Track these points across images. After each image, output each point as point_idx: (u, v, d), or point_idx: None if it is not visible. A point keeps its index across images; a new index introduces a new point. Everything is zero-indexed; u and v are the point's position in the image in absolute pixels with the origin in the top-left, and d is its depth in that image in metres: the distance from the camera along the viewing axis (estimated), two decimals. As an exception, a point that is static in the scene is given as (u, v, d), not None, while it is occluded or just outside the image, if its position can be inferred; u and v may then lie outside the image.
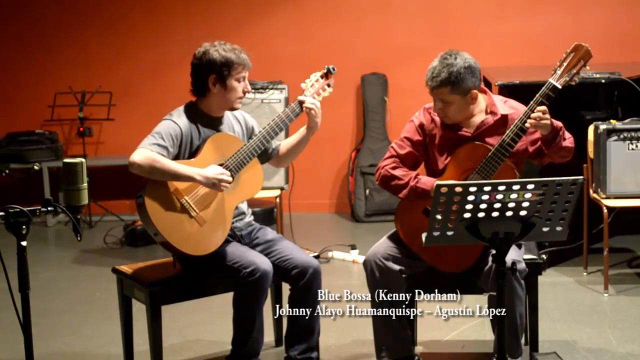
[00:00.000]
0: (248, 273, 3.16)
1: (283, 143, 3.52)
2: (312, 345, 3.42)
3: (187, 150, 3.27)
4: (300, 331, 3.40)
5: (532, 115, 3.02)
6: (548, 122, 3.04)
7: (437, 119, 3.28)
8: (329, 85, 3.47)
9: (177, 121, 3.27)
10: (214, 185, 3.19)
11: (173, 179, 3.17)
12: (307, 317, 3.34)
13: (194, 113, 3.34)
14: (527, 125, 3.04)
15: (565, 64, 3.08)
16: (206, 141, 3.27)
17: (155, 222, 3.13)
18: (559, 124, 3.13)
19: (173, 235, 3.16)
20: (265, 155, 3.48)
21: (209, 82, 3.29)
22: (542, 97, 3.05)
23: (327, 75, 3.47)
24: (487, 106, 3.26)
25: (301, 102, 3.37)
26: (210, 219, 3.24)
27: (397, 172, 3.26)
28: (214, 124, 3.36)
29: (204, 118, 3.35)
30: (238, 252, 3.25)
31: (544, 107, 3.03)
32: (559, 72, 3.07)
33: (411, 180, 3.21)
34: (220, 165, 3.25)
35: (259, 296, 3.23)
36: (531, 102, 3.05)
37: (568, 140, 3.19)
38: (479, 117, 3.24)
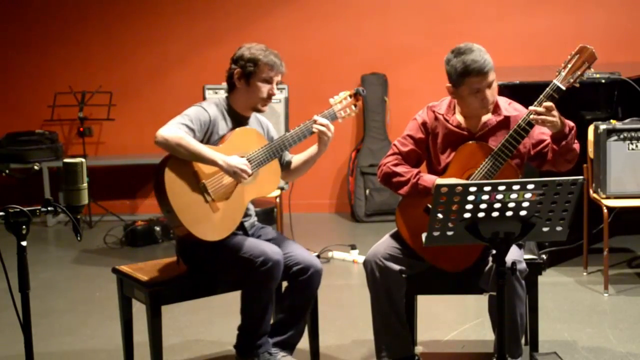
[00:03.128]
0: (260, 263, 3.17)
1: (295, 158, 3.54)
2: (290, 341, 3.39)
3: (211, 139, 3.29)
4: (284, 324, 3.39)
5: (537, 109, 3.02)
6: (556, 119, 3.03)
7: (440, 117, 3.28)
8: (355, 106, 3.47)
9: (207, 109, 3.30)
10: (235, 173, 3.20)
11: (196, 159, 3.19)
12: (295, 313, 3.35)
13: (223, 106, 3.37)
14: (533, 117, 3.03)
15: (569, 65, 3.08)
16: (233, 131, 3.30)
17: (170, 198, 3.12)
18: (570, 124, 3.13)
19: (185, 214, 3.15)
20: (280, 164, 3.49)
21: (235, 75, 3.32)
22: (545, 97, 3.05)
23: (355, 96, 3.48)
24: (493, 106, 3.26)
25: (316, 122, 3.37)
26: (222, 209, 3.25)
27: (399, 169, 3.26)
28: (240, 120, 3.39)
29: (232, 113, 3.37)
30: (248, 243, 3.26)
31: (550, 103, 3.03)
32: (563, 73, 3.08)
33: (412, 177, 3.22)
34: (243, 157, 3.27)
35: (270, 287, 3.25)
36: (535, 103, 3.06)
37: (576, 145, 3.19)
38: (484, 117, 3.25)
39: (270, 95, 3.35)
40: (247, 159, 3.27)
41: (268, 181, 3.38)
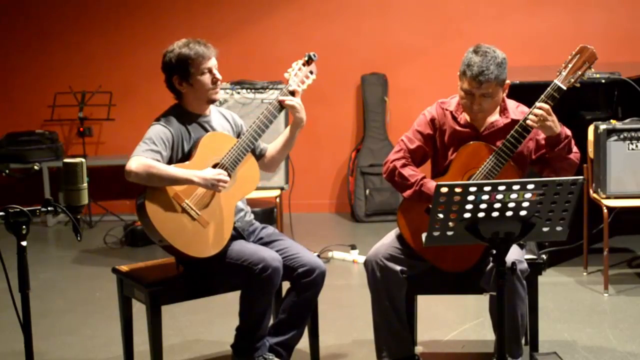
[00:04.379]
0: (259, 270, 3.16)
1: (270, 146, 3.50)
2: (289, 342, 3.38)
3: (179, 151, 3.27)
4: (284, 325, 3.38)
5: (534, 111, 3.03)
6: (551, 122, 3.04)
7: (449, 114, 3.28)
8: (311, 72, 3.45)
9: (166, 124, 3.26)
10: (213, 186, 3.18)
11: (171, 184, 3.16)
12: (296, 314, 3.35)
13: (180, 114, 3.32)
14: (528, 122, 3.04)
15: (570, 65, 3.09)
16: (198, 143, 3.25)
17: (159, 229, 3.12)
18: (567, 132, 3.13)
19: (178, 240, 3.15)
20: (254, 155, 3.45)
21: (175, 83, 3.28)
22: (546, 97, 3.06)
23: (308, 62, 3.45)
24: (501, 108, 3.27)
25: (280, 102, 3.34)
26: (212, 220, 3.23)
27: (406, 172, 3.25)
28: (201, 120, 3.35)
29: (191, 116, 3.33)
30: (247, 249, 3.25)
31: (547, 106, 3.03)
32: (564, 73, 3.08)
33: (417, 182, 3.21)
34: (216, 164, 3.25)
35: (270, 292, 3.24)
36: (536, 103, 3.06)
37: (574, 155, 3.18)
38: (492, 117, 3.25)
39: (215, 82, 3.30)
40: (221, 165, 3.24)
41: (248, 179, 3.34)
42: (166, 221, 3.14)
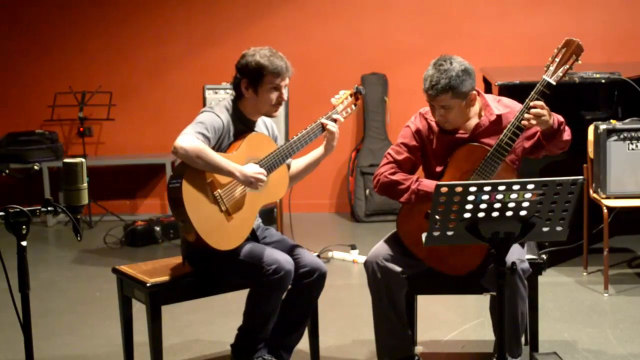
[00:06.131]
0: (272, 271, 3.16)
1: (294, 163, 3.51)
2: (289, 342, 3.39)
3: (222, 145, 3.28)
4: (284, 325, 3.38)
5: (532, 111, 3.02)
6: (547, 117, 3.04)
7: (433, 124, 3.27)
8: (355, 105, 3.47)
9: (220, 115, 3.27)
10: (251, 183, 3.19)
11: (214, 171, 3.17)
12: (297, 315, 3.35)
13: (233, 110, 3.34)
14: (524, 123, 3.03)
15: (557, 59, 3.07)
16: (244, 137, 3.28)
17: (187, 209, 3.11)
18: (560, 118, 3.13)
19: (201, 225, 3.15)
20: None
21: (242, 85, 3.29)
22: (537, 94, 3.04)
23: (356, 95, 3.47)
24: (481, 108, 3.26)
25: (323, 125, 3.36)
26: (237, 216, 3.24)
27: (397, 177, 3.24)
28: (249, 125, 3.37)
29: (241, 117, 3.35)
30: (260, 250, 3.25)
31: (541, 102, 3.03)
32: (552, 68, 3.07)
33: (412, 183, 3.20)
34: (255, 163, 3.26)
35: (279, 294, 3.25)
36: (526, 100, 3.05)
37: (567, 133, 3.19)
38: (475, 119, 3.24)
39: (280, 102, 3.33)
40: (260, 166, 3.26)
41: (278, 186, 3.37)
42: (196, 204, 3.14)
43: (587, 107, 5.11)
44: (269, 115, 3.38)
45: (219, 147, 3.26)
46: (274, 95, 3.29)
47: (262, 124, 3.47)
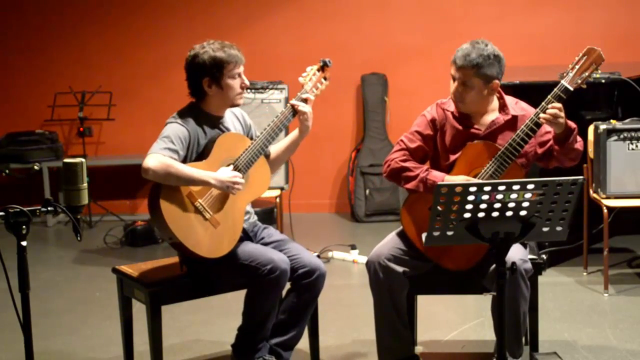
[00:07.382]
0: (267, 271, 3.16)
1: (272, 148, 3.49)
2: (289, 342, 3.39)
3: (194, 151, 3.26)
4: (284, 325, 3.38)
5: (549, 111, 3.03)
6: (563, 120, 3.05)
7: (449, 114, 3.27)
8: (325, 79, 3.45)
9: (183, 123, 3.25)
10: (228, 188, 3.18)
11: (187, 184, 3.16)
12: (296, 314, 3.34)
13: (197, 114, 3.31)
14: (541, 119, 3.04)
15: (577, 66, 3.10)
16: (215, 142, 3.25)
17: (171, 227, 3.11)
18: (573, 124, 3.14)
19: (189, 239, 3.15)
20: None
21: (204, 85, 3.27)
22: (553, 97, 3.06)
23: (322, 68, 3.45)
24: (500, 105, 3.27)
25: (293, 106, 3.35)
26: (223, 221, 3.23)
27: (408, 164, 3.25)
28: (217, 122, 3.36)
29: (207, 118, 3.33)
30: (255, 250, 3.25)
31: (559, 105, 3.04)
32: (571, 74, 3.09)
33: (422, 172, 3.21)
34: (230, 164, 3.25)
35: (276, 294, 3.25)
36: (542, 103, 3.07)
37: (579, 143, 3.21)
38: (491, 115, 3.25)
39: (243, 87, 3.32)
40: (235, 166, 3.24)
41: (259, 181, 3.36)
42: (179, 220, 3.14)
43: (587, 107, 5.11)
44: (235, 105, 3.35)
45: (192, 155, 3.24)
46: (236, 83, 3.28)
47: (232, 115, 3.45)
